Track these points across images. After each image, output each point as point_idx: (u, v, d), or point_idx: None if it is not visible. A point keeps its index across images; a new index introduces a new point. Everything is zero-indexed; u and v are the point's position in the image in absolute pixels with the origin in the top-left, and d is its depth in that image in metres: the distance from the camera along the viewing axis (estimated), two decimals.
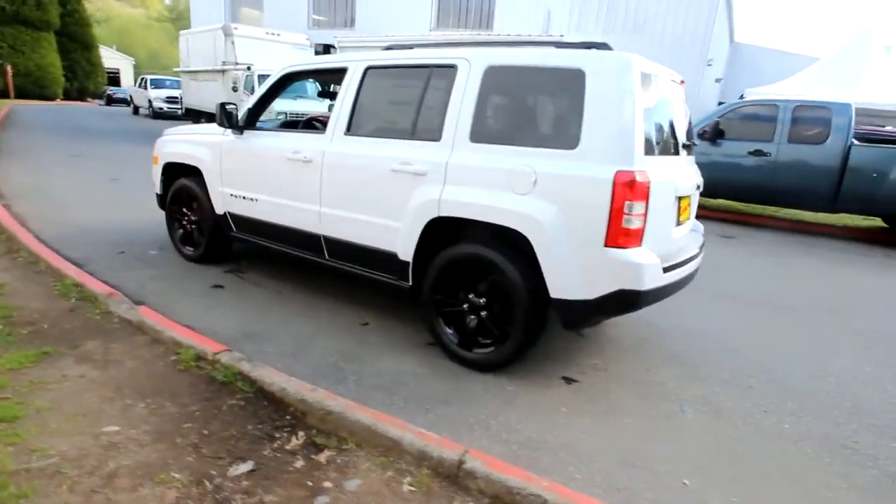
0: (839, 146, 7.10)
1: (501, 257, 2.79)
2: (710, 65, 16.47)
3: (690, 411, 2.77)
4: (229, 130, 4.01)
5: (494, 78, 2.86)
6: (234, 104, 3.88)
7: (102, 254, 4.58)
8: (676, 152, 3.05)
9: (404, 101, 3.28)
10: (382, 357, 3.10)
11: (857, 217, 8.45)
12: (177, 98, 20.28)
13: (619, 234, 2.50)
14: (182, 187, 4.46)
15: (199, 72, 14.92)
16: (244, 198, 3.95)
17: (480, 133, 2.84)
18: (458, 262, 2.96)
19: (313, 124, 4.54)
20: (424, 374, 2.94)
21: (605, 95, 2.55)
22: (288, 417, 2.33)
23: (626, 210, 2.46)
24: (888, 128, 9.67)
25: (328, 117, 3.58)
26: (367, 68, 3.34)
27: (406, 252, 3.11)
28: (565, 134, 2.62)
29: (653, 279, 2.59)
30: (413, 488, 1.94)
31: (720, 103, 15.08)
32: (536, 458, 2.25)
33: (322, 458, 2.09)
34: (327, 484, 1.95)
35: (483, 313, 2.95)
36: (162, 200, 4.72)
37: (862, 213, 7.50)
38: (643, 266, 2.54)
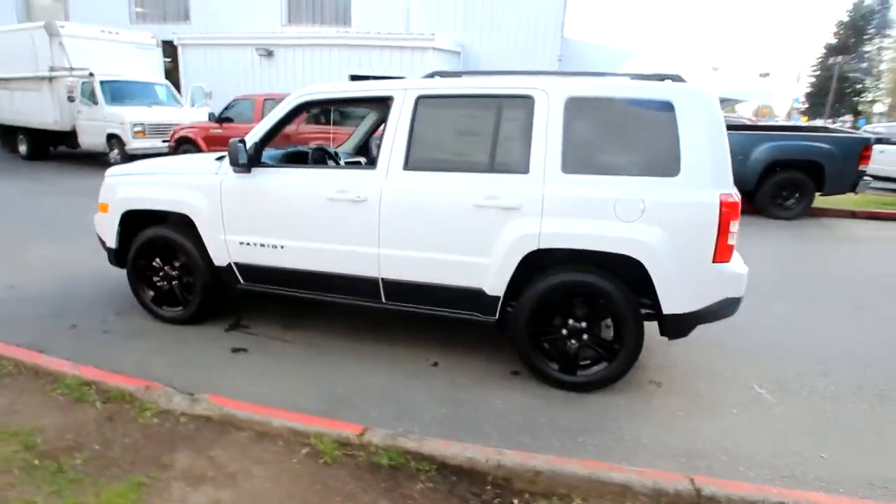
0: None
1: (607, 282, 2.90)
2: (560, 60, 18.13)
3: (765, 392, 3.20)
4: (225, 168, 3.47)
5: (577, 109, 2.92)
6: (242, 140, 3.33)
7: (51, 331, 3.66)
8: None
9: (473, 133, 3.18)
10: (489, 397, 3.02)
11: None
12: None
13: (724, 250, 2.78)
14: (156, 238, 3.74)
15: (11, 79, 12.13)
16: (262, 245, 3.46)
17: (573, 164, 2.90)
18: (557, 291, 3.00)
19: (323, 156, 4.11)
20: (541, 406, 2.94)
21: (697, 125, 2.78)
22: (489, 488, 2.19)
23: (730, 228, 2.75)
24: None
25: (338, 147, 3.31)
26: (419, 97, 3.15)
27: (496, 287, 3.05)
28: (665, 162, 2.81)
29: (745, 284, 2.93)
30: None
31: None
32: (710, 467, 2.44)
33: None
34: None
35: (584, 336, 3.05)
36: (120, 256, 3.90)
37: None
38: (743, 275, 2.87)
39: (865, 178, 8.13)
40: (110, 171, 4.04)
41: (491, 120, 3.08)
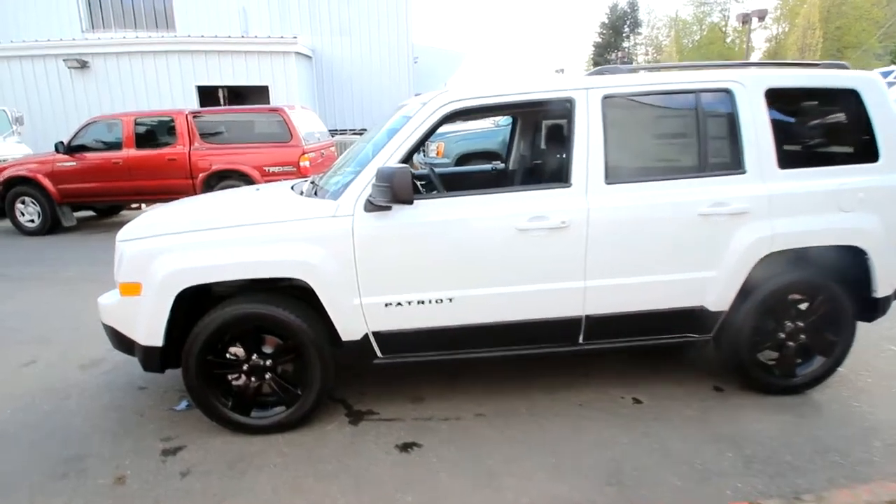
0: None
1: (829, 277, 2.80)
2: (416, 62, 18.02)
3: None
4: (346, 207, 2.56)
5: (777, 100, 2.75)
6: (407, 166, 2.44)
7: (89, 491, 2.31)
8: None
9: (672, 134, 2.82)
10: (735, 424, 2.71)
11: None
12: None
13: None
14: (241, 318, 2.60)
15: None
16: (420, 302, 2.63)
17: (784, 158, 2.72)
18: (781, 295, 2.81)
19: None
20: (792, 419, 2.74)
21: (882, 111, 2.81)
22: None
23: None
24: None
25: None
26: (605, 97, 2.67)
27: (721, 301, 2.75)
28: (865, 149, 2.78)
29: None
30: None
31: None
32: None
33: None
34: None
35: (802, 336, 2.91)
36: (166, 355, 2.63)
37: None
38: None
39: None
40: (125, 233, 2.71)
41: (691, 118, 2.74)
